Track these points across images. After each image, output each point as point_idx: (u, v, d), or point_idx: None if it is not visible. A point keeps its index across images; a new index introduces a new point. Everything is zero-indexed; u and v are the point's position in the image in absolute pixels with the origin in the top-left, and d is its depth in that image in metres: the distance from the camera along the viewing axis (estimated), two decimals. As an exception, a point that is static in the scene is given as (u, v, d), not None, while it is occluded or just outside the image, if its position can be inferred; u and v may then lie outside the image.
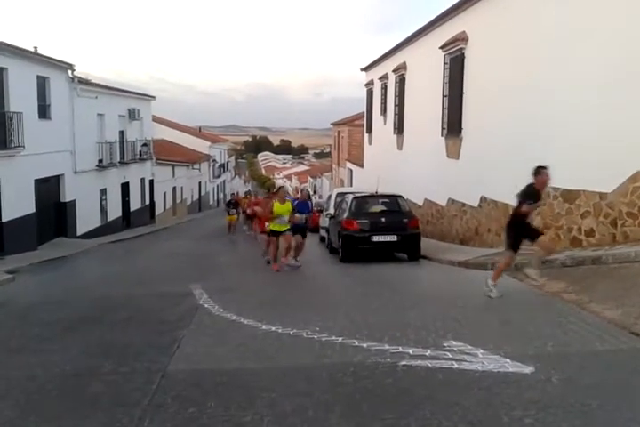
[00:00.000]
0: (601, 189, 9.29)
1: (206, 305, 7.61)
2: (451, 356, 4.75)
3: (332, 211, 16.05)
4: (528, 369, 4.34)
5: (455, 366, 4.52)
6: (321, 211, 19.53)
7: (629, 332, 5.16)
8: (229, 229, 21.24)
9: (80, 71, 21.67)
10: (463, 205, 15.02)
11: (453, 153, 15.75)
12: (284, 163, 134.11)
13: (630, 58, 8.74)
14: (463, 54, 15.03)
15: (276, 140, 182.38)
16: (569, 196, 10.06)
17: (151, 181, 31.00)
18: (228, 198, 31.06)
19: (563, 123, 10.30)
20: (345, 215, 13.00)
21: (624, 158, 8.83)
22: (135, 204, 28.19)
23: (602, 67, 9.30)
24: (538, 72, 11.08)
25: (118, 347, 5.71)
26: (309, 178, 64.24)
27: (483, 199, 13.67)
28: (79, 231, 21.42)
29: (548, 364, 4.45)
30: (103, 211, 24.12)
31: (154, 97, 32.50)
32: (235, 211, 21.16)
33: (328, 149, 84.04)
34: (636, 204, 8.65)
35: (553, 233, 10.52)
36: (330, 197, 19.74)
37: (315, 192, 50.08)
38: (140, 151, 28.64)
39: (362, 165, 29.38)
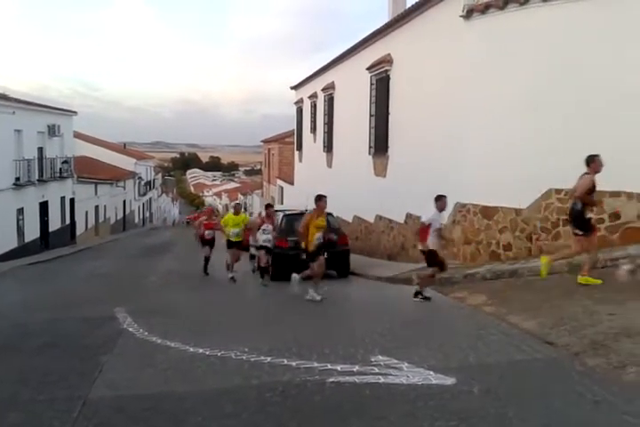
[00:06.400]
0: (517, 206, 9.82)
1: (131, 329, 7.37)
2: (377, 370, 4.84)
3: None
4: (450, 381, 4.49)
5: (382, 380, 4.61)
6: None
7: (544, 342, 5.45)
8: None
9: (-4, 85, 20.74)
10: (390, 221, 15.39)
11: (380, 171, 16.16)
12: (214, 180, 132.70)
13: (542, 84, 9.36)
14: (388, 76, 15.54)
15: (205, 157, 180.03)
16: (487, 212, 10.55)
17: (72, 200, 29.78)
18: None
19: (479, 141, 10.83)
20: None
21: (537, 176, 9.40)
22: (55, 224, 26.95)
23: (517, 89, 9.89)
24: (456, 93, 11.61)
25: (37, 374, 5.43)
26: (240, 195, 63.82)
27: (408, 216, 14.07)
28: (-7, 253, 20.26)
29: (469, 375, 4.62)
30: (20, 231, 22.90)
31: (75, 112, 31.44)
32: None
33: (259, 167, 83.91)
34: (549, 219, 9.21)
35: (474, 248, 10.96)
36: (260, 214, 19.67)
37: (245, 209, 49.77)
38: (61, 169, 27.55)
39: (292, 183, 29.56)
